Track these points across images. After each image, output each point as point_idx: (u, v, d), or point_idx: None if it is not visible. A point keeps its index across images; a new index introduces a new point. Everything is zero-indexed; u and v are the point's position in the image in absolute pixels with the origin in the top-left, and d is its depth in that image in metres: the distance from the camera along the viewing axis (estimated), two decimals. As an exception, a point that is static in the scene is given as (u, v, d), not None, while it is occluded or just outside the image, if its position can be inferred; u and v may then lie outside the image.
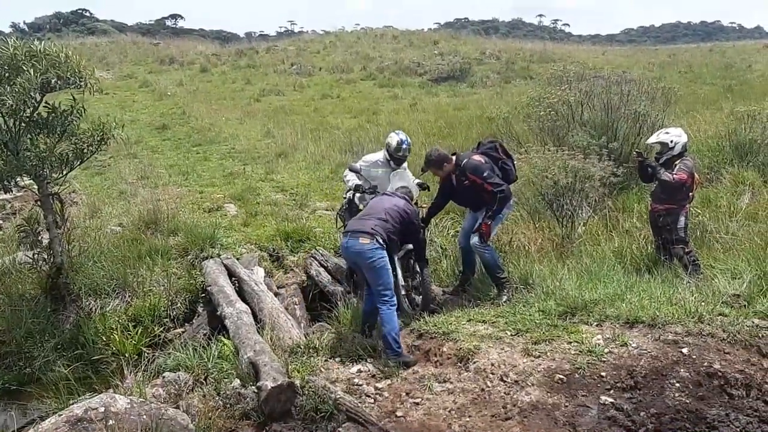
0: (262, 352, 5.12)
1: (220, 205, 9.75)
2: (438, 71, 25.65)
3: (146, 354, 6.10)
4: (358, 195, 7.17)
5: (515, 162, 7.00)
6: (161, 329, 6.74)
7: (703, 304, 5.64)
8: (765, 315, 5.48)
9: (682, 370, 4.76)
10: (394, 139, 7.17)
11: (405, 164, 7.35)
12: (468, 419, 4.52)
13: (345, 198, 7.54)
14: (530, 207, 9.03)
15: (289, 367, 5.08)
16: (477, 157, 6.55)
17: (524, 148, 9.43)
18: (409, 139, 7.33)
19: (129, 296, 7.04)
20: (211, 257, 7.65)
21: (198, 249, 7.86)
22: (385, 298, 5.42)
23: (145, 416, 3.65)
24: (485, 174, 6.42)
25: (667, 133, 7.06)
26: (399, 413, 4.66)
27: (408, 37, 36.02)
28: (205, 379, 5.09)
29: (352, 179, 7.29)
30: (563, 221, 8.42)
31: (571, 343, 5.21)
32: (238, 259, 7.73)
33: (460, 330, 5.64)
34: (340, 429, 4.48)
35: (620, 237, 8.06)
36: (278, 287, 7.57)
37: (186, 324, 6.94)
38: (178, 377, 5.00)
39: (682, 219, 6.88)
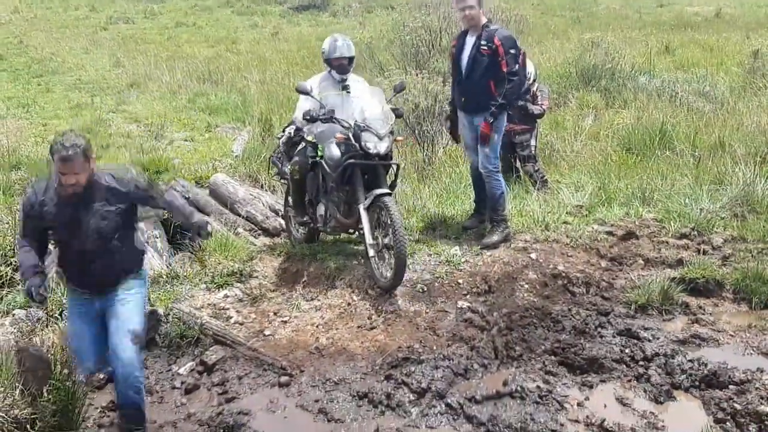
0: (122, 283, 4.92)
1: (66, 138, 9.09)
2: (299, 0, 24.95)
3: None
4: (300, 123, 5.58)
5: None
6: (9, 269, 6.26)
7: (549, 214, 6.07)
8: (603, 221, 6.01)
9: (530, 273, 5.15)
10: (327, 41, 5.66)
11: (359, 78, 5.89)
12: (335, 332, 4.65)
13: (279, 137, 6.07)
14: (402, 136, 9.17)
15: (151, 296, 4.93)
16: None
17: (387, 73, 9.49)
18: (347, 37, 5.79)
19: (-32, 236, 6.46)
20: (60, 192, 7.16)
21: (44, 184, 7.32)
22: None
23: (-8, 350, 3.43)
24: (513, 50, 5.36)
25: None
26: (267, 332, 4.71)
27: (266, -37, 34.54)
28: (60, 314, 4.84)
29: (298, 112, 5.55)
30: (424, 145, 8.65)
31: (431, 255, 5.45)
32: (90, 193, 7.29)
33: (327, 249, 5.71)
34: (207, 352, 4.47)
35: (477, 158, 8.42)
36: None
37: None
38: (30, 314, 4.73)
39: (533, 139, 7.26)
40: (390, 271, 4.87)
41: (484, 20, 5.45)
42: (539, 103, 7.11)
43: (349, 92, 5.58)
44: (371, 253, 5.02)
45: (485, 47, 5.35)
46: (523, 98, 6.81)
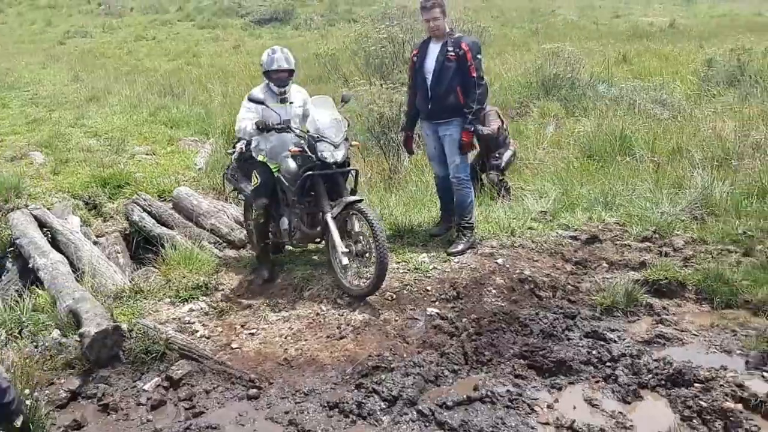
0: (83, 300, 4.80)
1: (24, 153, 8.87)
2: (260, 13, 24.93)
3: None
4: (253, 144, 5.50)
5: None
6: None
7: (515, 220, 6.14)
8: (567, 226, 6.11)
9: (498, 278, 5.18)
10: (264, 54, 5.55)
11: (300, 89, 5.78)
12: (304, 342, 4.60)
13: (232, 152, 5.79)
14: (359, 141, 9.18)
15: (114, 312, 4.82)
16: None
17: (351, 84, 9.51)
18: (285, 49, 5.59)
19: None
20: (18, 208, 6.98)
21: (2, 200, 7.14)
22: None
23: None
24: (479, 56, 5.43)
25: None
26: (234, 345, 4.63)
27: (227, -23, 34.40)
28: (19, 333, 4.70)
29: (245, 123, 5.36)
30: (390, 154, 8.68)
31: (399, 263, 5.45)
32: (49, 209, 7.12)
33: (294, 260, 5.67)
34: (173, 367, 4.36)
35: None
36: (97, 236, 7.08)
37: (-7, 281, 6.31)
38: (-13, 332, 4.57)
39: (507, 154, 7.36)
40: (361, 279, 4.88)
41: (447, 29, 5.49)
42: (488, 124, 7.15)
43: (291, 102, 5.54)
44: (345, 261, 4.91)
45: (452, 53, 5.36)
46: (479, 130, 6.80)
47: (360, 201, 5.01)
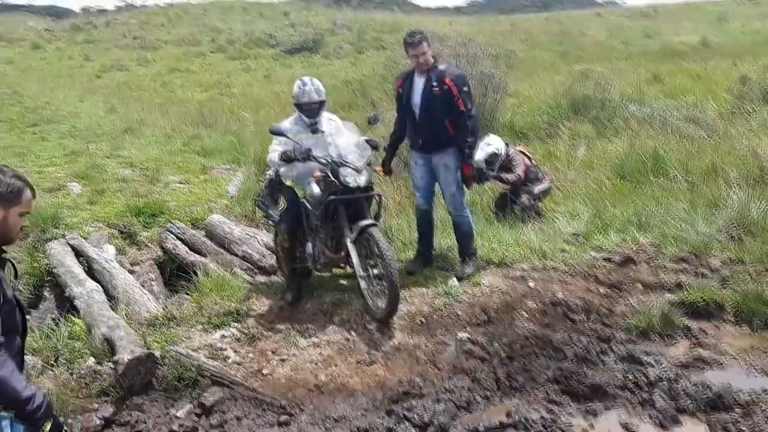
0: (117, 327, 4.87)
1: (62, 184, 9.08)
2: (291, 43, 25.36)
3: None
4: (282, 170, 5.52)
5: None
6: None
7: (546, 243, 6.07)
8: (600, 248, 6.02)
9: (529, 301, 5.12)
10: (295, 85, 5.58)
11: (332, 116, 5.80)
12: (334, 368, 4.59)
13: (263, 180, 6.05)
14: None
15: (148, 339, 4.88)
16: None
17: (380, 109, 9.57)
18: (317, 80, 5.63)
19: (-37, 285, 6.42)
20: (56, 238, 7.13)
21: (40, 230, 7.29)
22: None
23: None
24: (466, 88, 5.36)
25: (488, 144, 7.49)
26: (265, 371, 4.64)
27: (258, 8, 35.22)
28: (55, 361, 4.77)
29: (274, 154, 5.44)
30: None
31: (429, 287, 5.42)
32: (85, 238, 7.26)
33: (324, 285, 5.68)
34: (205, 394, 4.38)
35: (472, 190, 8.44)
36: (132, 264, 7.19)
37: (32, 310, 6.44)
38: (26, 361, 4.64)
39: (545, 185, 7.61)
40: (383, 302, 4.87)
41: (431, 60, 5.43)
42: (513, 171, 7.42)
43: (322, 132, 5.56)
44: (363, 285, 5.03)
45: (437, 89, 5.31)
46: (505, 179, 7.42)
47: (373, 225, 5.04)
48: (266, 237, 7.18)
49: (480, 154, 7.22)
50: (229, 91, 17.26)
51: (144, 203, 8.17)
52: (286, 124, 5.60)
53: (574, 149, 10.11)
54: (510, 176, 7.33)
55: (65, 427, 3.55)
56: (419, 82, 5.46)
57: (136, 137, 12.21)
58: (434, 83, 5.32)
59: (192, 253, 7.06)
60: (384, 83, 12.53)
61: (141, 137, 12.24)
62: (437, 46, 12.38)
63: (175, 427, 4.10)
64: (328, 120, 5.70)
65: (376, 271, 4.95)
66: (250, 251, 6.67)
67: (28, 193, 2.59)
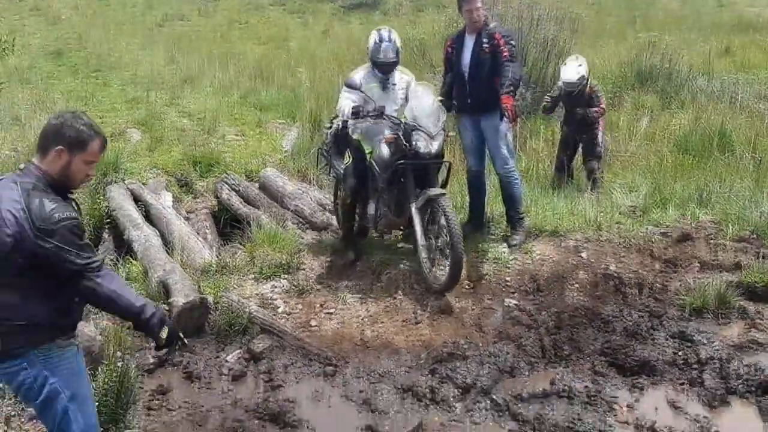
0: (173, 272, 5.01)
1: (122, 130, 9.29)
2: (350, -1, 25.05)
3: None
4: (350, 122, 5.34)
5: None
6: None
7: (602, 214, 5.96)
8: (658, 223, 5.88)
9: (581, 273, 5.06)
10: (371, 37, 5.34)
11: (406, 72, 5.60)
12: (380, 325, 4.65)
13: (327, 130, 5.92)
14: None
15: (201, 285, 5.01)
16: None
17: (438, 69, 9.44)
18: (395, 34, 5.39)
19: (29, 223, 6.68)
20: (115, 182, 7.35)
21: (101, 174, 7.51)
22: None
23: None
24: (513, 42, 5.32)
25: (580, 65, 7.07)
26: (313, 324, 4.73)
27: (319, -37, 34.80)
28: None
29: (345, 103, 5.27)
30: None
31: (478, 252, 5.40)
32: (144, 184, 7.46)
33: (373, 244, 5.71)
34: (254, 341, 4.50)
35: (528, 157, 8.32)
36: (187, 212, 7.36)
37: (92, 250, 6.68)
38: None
39: (600, 134, 7.26)
40: (443, 274, 4.81)
41: (484, 18, 5.34)
42: (596, 104, 7.07)
43: (394, 85, 5.41)
44: (423, 255, 4.91)
45: (487, 46, 5.24)
46: (589, 114, 7.04)
47: (442, 195, 4.90)
48: (318, 193, 7.25)
49: (571, 73, 6.96)
50: (286, 46, 17.23)
51: (201, 153, 8.31)
52: (358, 75, 5.41)
53: (636, 121, 9.80)
54: (595, 113, 6.99)
55: (122, 364, 3.71)
56: (469, 42, 5.37)
57: (194, 88, 12.34)
58: (484, 40, 5.25)
59: (246, 204, 7.19)
60: (443, 43, 12.28)
61: (199, 88, 12.38)
62: (499, 7, 12.08)
63: (224, 371, 4.23)
64: (400, 74, 5.50)
65: (439, 243, 4.85)
66: (302, 206, 6.74)
67: (96, 143, 2.62)
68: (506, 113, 5.12)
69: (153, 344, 2.93)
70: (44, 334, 2.53)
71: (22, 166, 2.64)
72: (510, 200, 5.61)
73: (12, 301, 2.46)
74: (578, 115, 7.11)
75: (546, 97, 7.66)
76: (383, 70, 5.33)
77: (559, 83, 7.26)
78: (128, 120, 9.87)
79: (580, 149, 7.44)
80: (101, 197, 7.11)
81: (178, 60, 14.74)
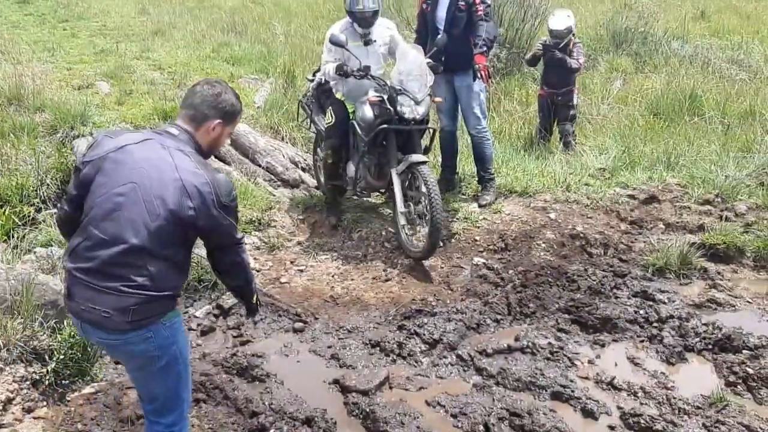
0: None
1: (90, 82, 9.06)
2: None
3: (16, 235, 5.77)
4: (332, 77, 5.18)
5: None
6: (31, 209, 6.36)
7: (571, 175, 6.02)
8: (625, 185, 5.95)
9: (548, 232, 5.13)
10: None
11: (389, 25, 5.40)
12: (350, 282, 4.69)
13: (309, 81, 5.77)
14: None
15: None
16: None
17: (413, 26, 9.32)
18: None
19: (-8, 175, 6.54)
20: (83, 136, 7.19)
21: (68, 127, 7.33)
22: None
23: (14, 281, 3.50)
24: (489, 0, 5.28)
25: (568, 16, 7.12)
26: (283, 280, 4.75)
27: None
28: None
29: (329, 62, 5.15)
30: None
31: (449, 212, 5.43)
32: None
33: (345, 202, 5.72)
34: (223, 296, 4.50)
35: (501, 118, 8.33)
36: (158, 167, 7.28)
37: (57, 205, 6.59)
38: (51, 252, 4.78)
39: (575, 97, 7.30)
40: (421, 242, 4.78)
41: None
42: (575, 57, 7.05)
43: (374, 41, 5.19)
44: (402, 221, 4.84)
45: (463, 3, 5.18)
46: (567, 62, 6.96)
47: (424, 162, 4.80)
48: (290, 150, 7.19)
49: (559, 22, 7.00)
50: (260, 0, 16.87)
51: (171, 107, 8.13)
52: (336, 28, 5.16)
53: (609, 83, 9.84)
54: (572, 61, 6.99)
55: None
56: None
57: (165, 40, 12.05)
58: None
59: (216, 160, 7.11)
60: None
61: (170, 40, 12.08)
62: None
63: (193, 326, 4.24)
64: (383, 28, 5.29)
65: (418, 209, 4.78)
66: (273, 163, 6.69)
67: (241, 115, 2.68)
68: (479, 73, 5.09)
69: (245, 311, 3.07)
70: (172, 302, 2.52)
71: (174, 131, 2.53)
72: (481, 160, 5.62)
73: (160, 272, 2.39)
74: (556, 60, 7.04)
75: (535, 48, 7.53)
76: (362, 22, 5.08)
77: (543, 39, 7.32)
78: (97, 72, 9.62)
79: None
80: (69, 151, 6.98)
81: (148, 11, 14.38)
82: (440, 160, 5.99)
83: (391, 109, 4.84)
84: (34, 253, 4.83)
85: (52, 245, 4.97)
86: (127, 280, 2.35)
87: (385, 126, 4.88)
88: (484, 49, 5.12)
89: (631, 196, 5.73)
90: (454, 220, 5.33)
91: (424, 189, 4.68)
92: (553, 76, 7.22)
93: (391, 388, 3.65)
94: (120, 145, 2.44)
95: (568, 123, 7.21)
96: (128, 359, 2.61)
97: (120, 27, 12.92)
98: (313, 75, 5.69)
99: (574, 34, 7.15)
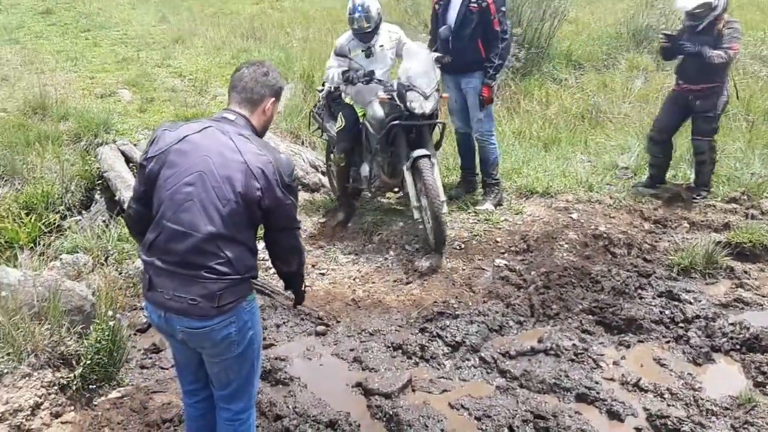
0: (164, 232, 5.02)
1: (113, 90, 9.19)
2: (344, -43, 24.61)
3: (42, 242, 5.86)
4: (342, 86, 5.38)
5: None
6: (57, 217, 6.46)
7: (593, 175, 5.96)
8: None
9: (570, 233, 5.08)
10: (348, 8, 5.27)
11: (393, 29, 5.50)
12: (372, 285, 4.69)
13: (320, 90, 5.88)
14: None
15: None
16: None
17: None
18: (368, 2, 5.16)
19: (19, 184, 6.65)
20: (106, 143, 7.30)
21: (92, 135, 7.45)
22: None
23: (41, 287, 3.55)
24: (504, 8, 5.25)
25: None
26: (305, 283, 4.74)
27: None
28: (105, 260, 4.98)
29: (333, 70, 5.34)
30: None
31: (469, 213, 5.42)
32: (135, 145, 7.41)
33: (365, 205, 5.72)
34: (246, 300, 4.53)
35: (520, 118, 8.28)
36: (180, 173, 7.35)
37: (83, 211, 6.67)
38: (77, 258, 4.84)
39: (723, 98, 5.48)
40: (430, 234, 4.83)
41: None
42: (724, 46, 5.12)
43: (381, 47, 5.32)
44: (416, 216, 4.92)
45: (475, 5, 5.16)
46: (707, 54, 5.15)
47: (425, 155, 4.85)
48: (310, 154, 7.22)
49: (691, 2, 5.17)
50: (279, 5, 16.96)
51: (192, 113, 8.23)
52: (342, 40, 5.38)
53: (630, 81, 9.75)
54: (719, 56, 5.01)
55: (115, 322, 3.74)
56: (457, 1, 5.29)
57: (186, 48, 12.17)
58: (473, 1, 5.17)
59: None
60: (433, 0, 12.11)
61: (191, 48, 12.21)
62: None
63: (216, 330, 4.25)
64: (387, 33, 5.40)
65: (425, 203, 4.82)
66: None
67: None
68: (482, 104, 5.26)
69: (292, 298, 3.11)
70: (249, 286, 2.57)
71: (231, 116, 2.56)
72: (484, 163, 5.61)
73: (237, 256, 2.44)
74: (688, 52, 5.23)
75: (659, 39, 5.91)
76: (363, 38, 5.26)
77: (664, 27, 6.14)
78: (119, 80, 9.76)
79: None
80: (92, 158, 7.09)
81: (169, 19, 14.53)
82: (459, 162, 5.97)
83: (401, 105, 4.93)
84: (60, 259, 4.89)
85: (77, 252, 5.04)
86: (209, 267, 2.40)
87: (396, 122, 4.95)
88: (492, 81, 5.25)
89: (655, 195, 5.67)
90: (475, 221, 5.30)
91: (419, 182, 4.77)
92: (690, 66, 5.41)
93: (414, 390, 3.65)
94: (181, 136, 2.46)
95: (705, 139, 5.50)
96: (210, 346, 2.58)
97: (141, 35, 13.07)
98: (322, 85, 5.79)
99: (725, 10, 5.21)
